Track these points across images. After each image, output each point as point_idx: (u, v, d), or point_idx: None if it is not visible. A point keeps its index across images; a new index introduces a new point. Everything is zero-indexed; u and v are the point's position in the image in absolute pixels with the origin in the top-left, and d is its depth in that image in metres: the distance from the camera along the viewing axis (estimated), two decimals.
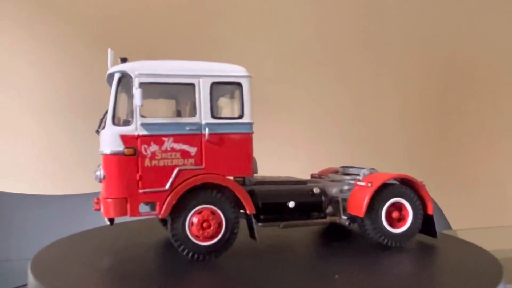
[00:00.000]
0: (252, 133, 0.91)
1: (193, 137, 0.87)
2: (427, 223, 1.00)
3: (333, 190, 1.03)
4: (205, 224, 0.86)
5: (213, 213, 0.87)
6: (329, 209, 1.03)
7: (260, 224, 0.93)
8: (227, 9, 2.11)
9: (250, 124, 0.90)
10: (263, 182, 1.00)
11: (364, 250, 0.95)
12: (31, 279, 0.77)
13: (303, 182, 1.04)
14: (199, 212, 0.86)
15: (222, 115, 0.91)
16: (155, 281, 0.78)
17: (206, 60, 0.91)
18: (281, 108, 2.12)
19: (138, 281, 0.77)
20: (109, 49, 0.91)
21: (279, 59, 2.16)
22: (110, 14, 1.96)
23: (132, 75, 0.84)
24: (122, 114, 0.88)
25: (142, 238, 1.08)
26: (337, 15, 2.24)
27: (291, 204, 0.95)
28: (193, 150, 0.87)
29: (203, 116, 0.87)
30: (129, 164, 0.83)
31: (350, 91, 2.27)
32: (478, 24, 2.44)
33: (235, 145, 0.89)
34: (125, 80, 0.85)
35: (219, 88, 0.90)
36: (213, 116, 0.88)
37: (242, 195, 0.88)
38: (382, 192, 0.96)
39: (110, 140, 0.84)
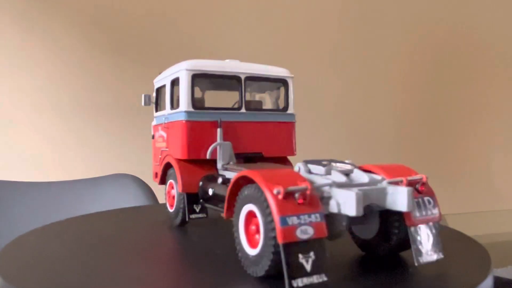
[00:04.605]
0: (186, 120, 0.98)
1: (164, 125, 1.10)
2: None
3: None
4: (168, 195, 1.08)
5: (172, 187, 1.07)
6: None
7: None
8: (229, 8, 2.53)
9: (185, 112, 0.99)
10: (228, 167, 0.98)
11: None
12: None
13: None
14: (170, 185, 1.09)
15: None
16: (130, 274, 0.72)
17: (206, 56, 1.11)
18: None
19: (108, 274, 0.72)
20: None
21: (275, 53, 2.46)
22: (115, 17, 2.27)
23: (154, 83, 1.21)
24: None
25: (111, 229, 1.08)
26: (333, 13, 2.71)
27: (210, 191, 0.92)
28: (165, 135, 1.10)
29: (167, 108, 1.08)
30: (154, 145, 1.21)
31: (343, 86, 2.73)
32: (472, 15, 2.85)
33: (175, 131, 1.02)
34: None
35: (176, 84, 1.05)
36: (171, 108, 1.06)
37: (178, 176, 1.01)
38: (242, 194, 0.71)
39: (151, 129, 1.25)
